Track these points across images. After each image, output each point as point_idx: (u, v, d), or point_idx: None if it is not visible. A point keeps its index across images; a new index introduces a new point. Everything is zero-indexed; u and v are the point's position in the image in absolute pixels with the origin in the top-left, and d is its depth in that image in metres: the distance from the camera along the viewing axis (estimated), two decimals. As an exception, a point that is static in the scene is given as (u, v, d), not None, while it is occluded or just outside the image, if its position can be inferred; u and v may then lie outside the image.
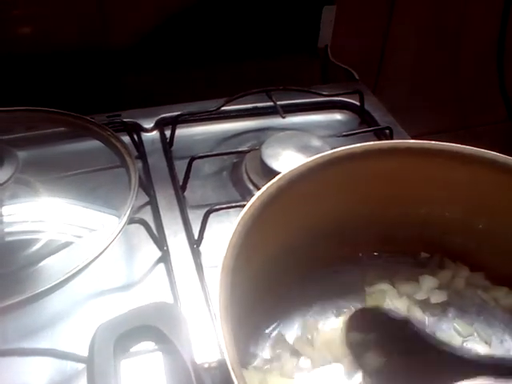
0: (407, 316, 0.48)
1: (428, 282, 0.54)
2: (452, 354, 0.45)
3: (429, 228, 0.53)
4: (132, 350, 0.33)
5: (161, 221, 0.60)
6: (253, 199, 0.42)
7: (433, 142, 0.49)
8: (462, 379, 0.42)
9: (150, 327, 0.32)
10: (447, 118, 1.06)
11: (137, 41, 0.78)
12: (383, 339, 0.47)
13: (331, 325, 0.51)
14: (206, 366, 0.33)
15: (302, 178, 0.46)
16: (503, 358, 0.48)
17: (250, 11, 0.81)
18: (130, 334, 0.32)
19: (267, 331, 0.50)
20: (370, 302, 0.53)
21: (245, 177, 0.67)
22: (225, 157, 0.70)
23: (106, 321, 0.32)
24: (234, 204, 0.58)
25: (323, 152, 0.48)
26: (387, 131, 0.72)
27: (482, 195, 0.49)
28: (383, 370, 0.46)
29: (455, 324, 0.52)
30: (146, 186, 0.64)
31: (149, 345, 0.33)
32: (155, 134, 0.74)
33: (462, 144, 0.49)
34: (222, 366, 0.31)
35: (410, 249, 0.56)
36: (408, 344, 0.47)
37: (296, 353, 0.48)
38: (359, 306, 0.53)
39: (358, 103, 0.79)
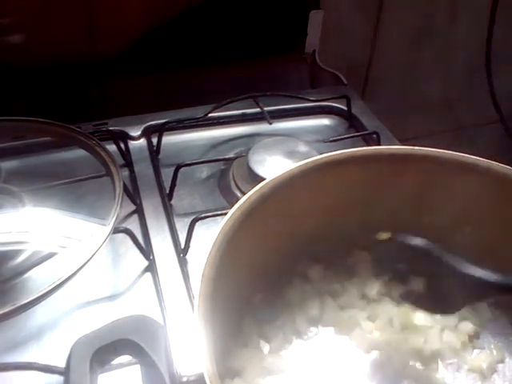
0: (427, 243, 0.46)
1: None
2: (473, 277, 0.43)
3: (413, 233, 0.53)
4: (110, 363, 0.32)
5: (147, 229, 0.60)
6: (233, 208, 0.41)
7: (416, 147, 0.49)
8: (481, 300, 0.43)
9: (128, 341, 0.31)
10: (437, 121, 1.06)
11: (124, 49, 0.78)
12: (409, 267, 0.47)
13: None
14: (185, 379, 0.32)
15: (285, 185, 0.46)
16: None
17: (238, 16, 0.81)
18: (107, 348, 0.31)
19: (257, 339, 0.49)
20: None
21: (232, 184, 0.67)
22: (212, 164, 0.69)
23: (82, 335, 0.31)
24: (220, 212, 0.57)
25: (310, 157, 0.48)
26: (374, 136, 0.72)
27: (465, 199, 0.49)
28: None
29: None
30: (133, 194, 0.64)
31: (127, 358, 0.33)
32: (142, 141, 0.74)
33: (452, 147, 0.49)
34: (201, 379, 0.30)
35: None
36: (431, 268, 0.45)
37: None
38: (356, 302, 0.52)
39: (345, 108, 0.79)
